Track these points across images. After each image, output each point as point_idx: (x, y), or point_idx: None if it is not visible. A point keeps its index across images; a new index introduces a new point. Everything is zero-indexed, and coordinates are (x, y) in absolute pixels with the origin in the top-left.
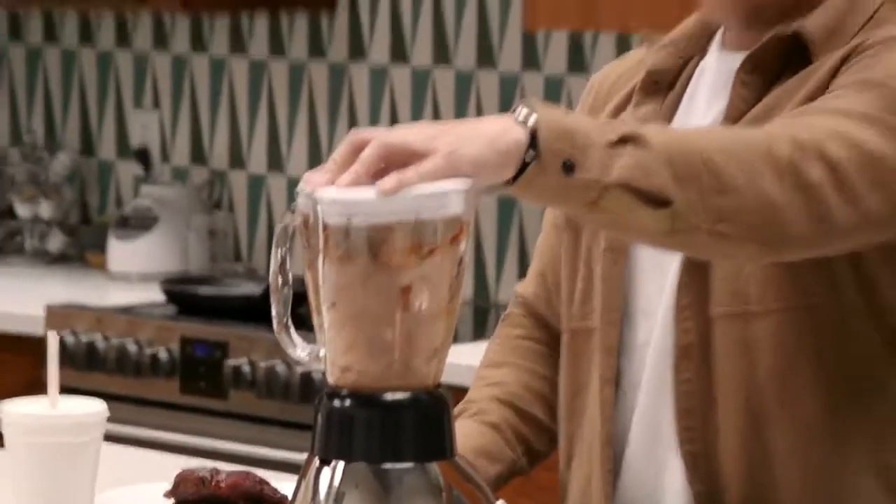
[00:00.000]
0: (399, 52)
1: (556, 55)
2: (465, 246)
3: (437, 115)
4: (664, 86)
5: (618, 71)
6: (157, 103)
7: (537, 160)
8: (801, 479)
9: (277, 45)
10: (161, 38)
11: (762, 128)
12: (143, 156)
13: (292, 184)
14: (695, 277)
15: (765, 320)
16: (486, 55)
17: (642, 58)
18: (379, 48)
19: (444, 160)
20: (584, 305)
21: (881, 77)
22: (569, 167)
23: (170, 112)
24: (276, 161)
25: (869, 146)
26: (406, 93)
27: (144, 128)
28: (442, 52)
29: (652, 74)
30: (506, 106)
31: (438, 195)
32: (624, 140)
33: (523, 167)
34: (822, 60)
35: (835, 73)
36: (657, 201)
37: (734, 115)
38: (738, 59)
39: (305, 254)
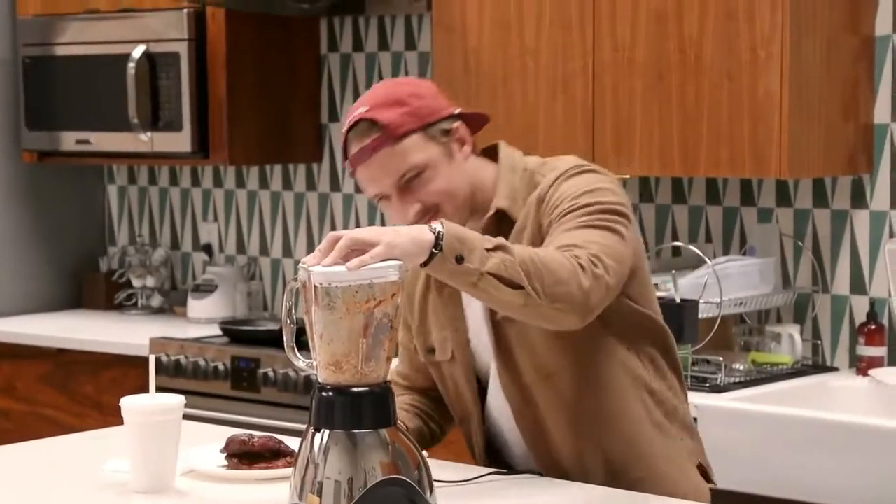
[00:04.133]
0: (359, 187)
1: None
2: (399, 299)
3: (383, 222)
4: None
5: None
6: (216, 218)
7: (441, 253)
8: (571, 445)
9: (287, 183)
10: (218, 180)
11: (561, 250)
12: (208, 249)
13: (298, 264)
14: (507, 362)
15: (560, 376)
16: None
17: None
18: (348, 185)
19: (385, 248)
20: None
21: (576, 205)
22: (459, 259)
23: (224, 223)
24: (287, 250)
25: (603, 243)
26: (364, 210)
27: (209, 232)
28: None
29: (436, 280)
30: None
31: (383, 269)
32: (496, 248)
33: (433, 257)
34: (523, 212)
35: (538, 212)
36: (514, 286)
37: None
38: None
39: (304, 305)
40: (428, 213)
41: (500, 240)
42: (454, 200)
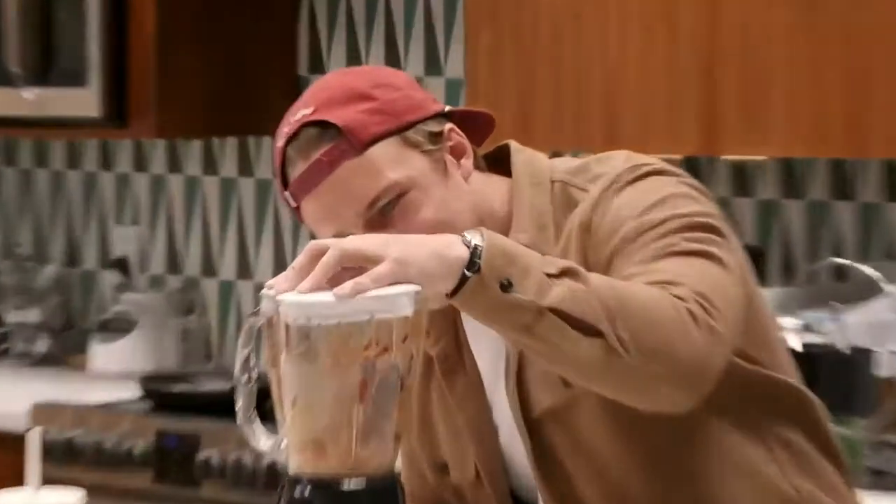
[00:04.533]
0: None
1: None
2: (416, 344)
3: None
4: (455, 362)
5: None
6: (135, 219)
7: (478, 275)
8: None
9: (246, 166)
10: (141, 161)
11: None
12: (122, 265)
13: (259, 289)
14: (555, 485)
15: (640, 497)
16: None
17: None
18: None
19: (394, 265)
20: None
21: (645, 224)
22: (506, 286)
23: (148, 226)
24: (244, 269)
25: (701, 277)
26: None
27: (124, 241)
28: None
29: (442, 361)
30: None
31: (390, 297)
32: (563, 273)
33: (466, 281)
34: (560, 245)
35: (583, 244)
36: (589, 330)
37: None
38: None
39: (267, 352)
40: None
41: (569, 262)
42: None
